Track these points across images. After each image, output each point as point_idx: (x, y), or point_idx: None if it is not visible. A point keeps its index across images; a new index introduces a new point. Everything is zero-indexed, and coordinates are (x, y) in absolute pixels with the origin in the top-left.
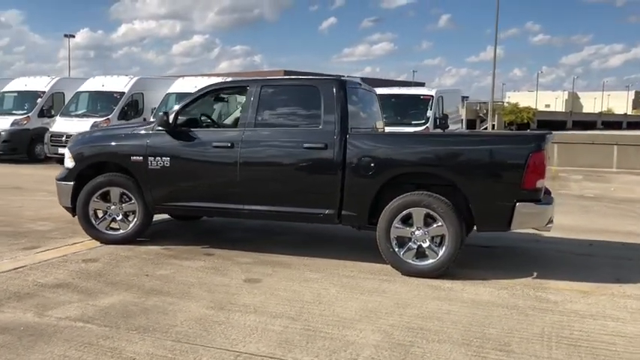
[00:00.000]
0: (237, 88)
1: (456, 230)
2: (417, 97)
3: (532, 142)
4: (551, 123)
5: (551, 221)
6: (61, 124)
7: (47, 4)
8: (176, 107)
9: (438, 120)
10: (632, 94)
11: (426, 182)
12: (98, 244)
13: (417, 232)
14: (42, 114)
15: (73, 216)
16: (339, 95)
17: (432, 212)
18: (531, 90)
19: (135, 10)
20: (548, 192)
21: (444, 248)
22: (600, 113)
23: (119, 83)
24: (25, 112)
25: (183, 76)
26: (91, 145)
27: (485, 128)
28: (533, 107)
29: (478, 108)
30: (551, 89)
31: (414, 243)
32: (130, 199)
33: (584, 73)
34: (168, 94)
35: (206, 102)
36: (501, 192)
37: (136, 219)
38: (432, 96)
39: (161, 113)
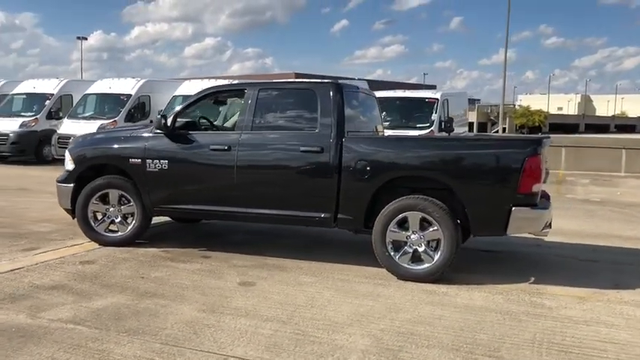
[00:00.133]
0: (235, 91)
1: (451, 234)
2: (422, 100)
3: (528, 147)
4: (563, 126)
5: (548, 226)
6: (68, 126)
7: (61, 7)
8: (175, 109)
9: (442, 123)
10: None
11: (422, 186)
12: (97, 246)
13: (412, 236)
14: (50, 116)
15: (73, 218)
16: (335, 99)
17: (427, 216)
18: (544, 93)
19: (147, 12)
20: (547, 196)
21: (439, 253)
22: (614, 116)
23: (126, 86)
24: (33, 114)
25: (194, 78)
26: (91, 147)
27: (497, 131)
28: (545, 110)
29: (489, 111)
30: (564, 92)
31: (410, 247)
32: (129, 202)
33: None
34: (175, 97)
35: (204, 105)
36: (497, 196)
37: (134, 221)
38: (437, 99)
39: (158, 116)
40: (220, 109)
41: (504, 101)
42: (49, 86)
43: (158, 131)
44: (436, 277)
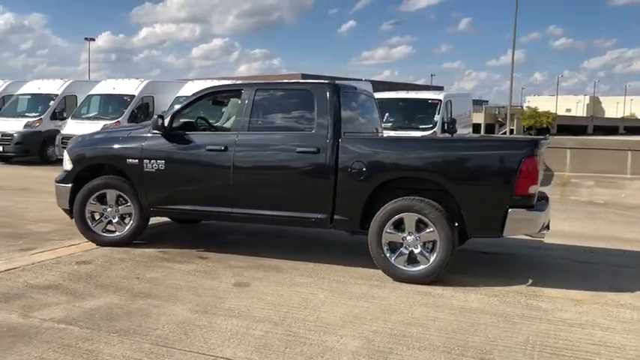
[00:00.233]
0: (232, 91)
1: (447, 236)
2: (424, 101)
3: (525, 148)
4: (571, 128)
5: (545, 228)
6: (72, 127)
7: (70, 8)
8: (173, 109)
9: (445, 124)
10: None
11: (418, 187)
12: (94, 246)
13: (408, 238)
14: (54, 116)
15: (71, 218)
16: (332, 100)
17: (423, 218)
18: (552, 94)
19: (155, 13)
20: (545, 198)
21: (435, 254)
22: (623, 118)
23: (130, 86)
24: (37, 114)
25: (198, 79)
26: (89, 147)
27: (504, 133)
28: (553, 112)
29: (497, 112)
30: (572, 93)
31: (406, 248)
32: (126, 202)
33: (606, 78)
34: (178, 98)
35: (201, 105)
36: (493, 198)
37: (131, 221)
38: (440, 100)
39: (156, 116)
40: (218, 109)
41: (512, 103)
42: (54, 87)
43: (155, 132)
44: (432, 278)
